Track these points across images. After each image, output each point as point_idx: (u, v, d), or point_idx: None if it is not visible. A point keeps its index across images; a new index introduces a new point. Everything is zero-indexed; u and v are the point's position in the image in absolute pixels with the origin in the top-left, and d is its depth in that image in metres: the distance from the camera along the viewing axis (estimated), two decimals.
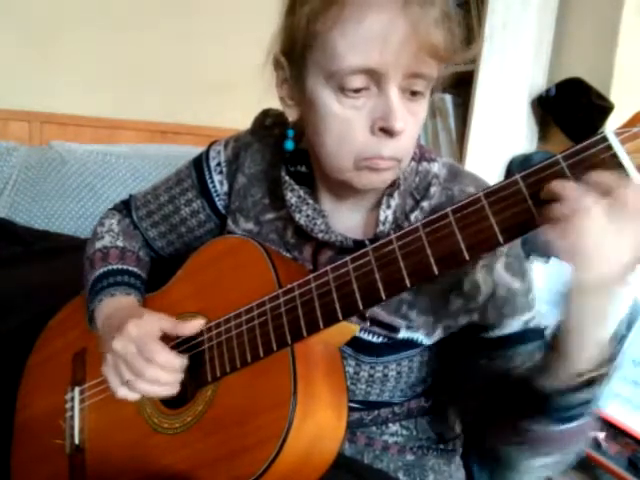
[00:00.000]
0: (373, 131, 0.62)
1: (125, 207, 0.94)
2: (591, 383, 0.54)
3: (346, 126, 0.63)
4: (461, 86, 1.76)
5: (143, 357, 0.66)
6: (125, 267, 0.84)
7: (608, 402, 1.22)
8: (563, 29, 1.71)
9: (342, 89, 0.61)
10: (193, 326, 0.71)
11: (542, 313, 0.69)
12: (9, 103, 1.91)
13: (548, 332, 0.66)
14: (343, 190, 0.72)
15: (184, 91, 2.08)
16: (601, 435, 1.14)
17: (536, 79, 1.72)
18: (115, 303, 0.79)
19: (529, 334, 0.68)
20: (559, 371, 0.55)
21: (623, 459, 1.09)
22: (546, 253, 1.35)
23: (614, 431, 1.17)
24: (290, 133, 0.75)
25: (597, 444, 1.13)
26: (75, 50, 1.99)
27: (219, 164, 0.84)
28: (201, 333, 0.72)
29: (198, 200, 0.85)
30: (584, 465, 1.20)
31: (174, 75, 2.09)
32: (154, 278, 0.87)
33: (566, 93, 1.58)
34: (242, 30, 1.77)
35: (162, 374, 0.67)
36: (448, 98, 1.81)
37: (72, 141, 1.95)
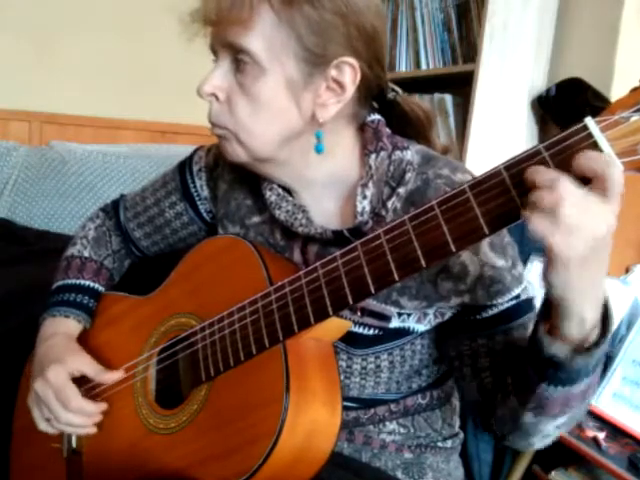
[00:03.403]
0: None
1: (113, 208, 0.98)
2: (588, 349, 0.55)
3: None
4: (461, 86, 1.76)
5: (59, 402, 0.75)
6: (78, 282, 0.90)
7: (608, 402, 1.22)
8: (563, 29, 1.71)
9: None
10: (111, 377, 0.78)
11: (531, 283, 0.70)
12: (9, 103, 1.91)
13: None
14: (290, 183, 0.74)
15: (184, 91, 2.07)
16: (601, 435, 1.14)
17: (536, 79, 1.72)
18: (53, 327, 0.86)
19: (523, 306, 0.69)
20: (566, 339, 0.56)
21: (623, 459, 1.09)
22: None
23: (614, 431, 1.17)
24: None
25: (597, 444, 1.13)
26: (75, 50, 1.99)
27: (200, 169, 0.87)
28: (195, 333, 0.73)
29: (182, 203, 0.88)
30: (584, 465, 1.20)
31: (174, 75, 2.09)
32: (149, 278, 0.88)
33: (566, 93, 1.58)
34: None
35: (75, 418, 0.76)
36: (448, 98, 1.81)
37: (72, 141, 1.95)
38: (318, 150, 0.70)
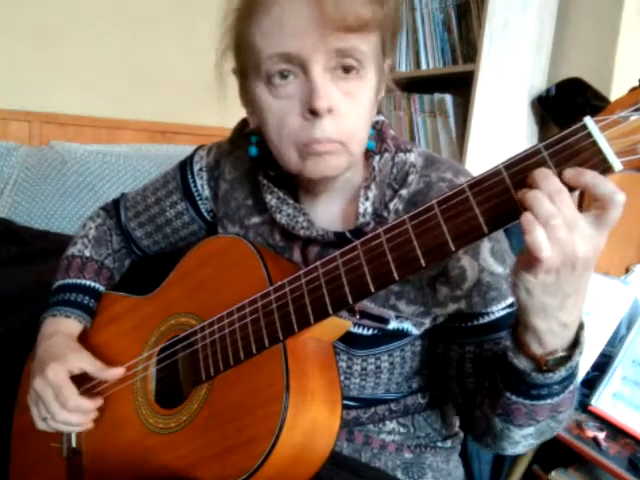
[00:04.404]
0: (304, 115, 0.63)
1: (114, 207, 0.98)
2: (560, 364, 0.56)
3: (281, 115, 0.65)
4: (461, 86, 1.76)
5: (58, 402, 0.75)
6: (79, 282, 0.89)
7: (608, 402, 1.22)
8: (563, 29, 1.71)
9: (270, 80, 0.64)
10: (112, 374, 0.78)
11: None
12: (9, 103, 1.91)
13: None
14: (314, 184, 0.73)
15: (184, 91, 2.08)
16: (601, 435, 1.14)
17: (536, 79, 1.72)
18: (54, 326, 0.85)
19: (515, 315, 0.70)
20: (526, 351, 0.57)
21: (623, 459, 1.09)
22: None
23: (614, 431, 1.17)
24: (253, 139, 0.76)
25: (597, 444, 1.13)
26: (75, 50, 1.98)
27: (201, 169, 0.87)
28: (195, 332, 0.73)
29: (183, 202, 0.88)
30: (584, 465, 1.20)
31: (174, 75, 2.09)
32: (149, 277, 0.88)
33: (566, 93, 1.58)
34: None
35: (72, 417, 0.76)
36: (448, 98, 1.81)
37: (72, 141, 1.95)
38: (370, 147, 0.72)
